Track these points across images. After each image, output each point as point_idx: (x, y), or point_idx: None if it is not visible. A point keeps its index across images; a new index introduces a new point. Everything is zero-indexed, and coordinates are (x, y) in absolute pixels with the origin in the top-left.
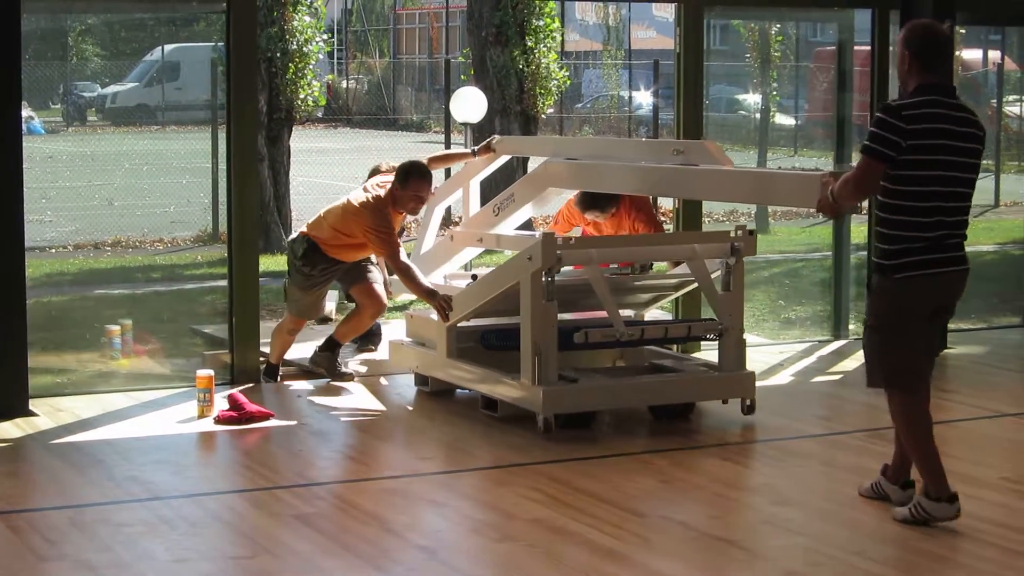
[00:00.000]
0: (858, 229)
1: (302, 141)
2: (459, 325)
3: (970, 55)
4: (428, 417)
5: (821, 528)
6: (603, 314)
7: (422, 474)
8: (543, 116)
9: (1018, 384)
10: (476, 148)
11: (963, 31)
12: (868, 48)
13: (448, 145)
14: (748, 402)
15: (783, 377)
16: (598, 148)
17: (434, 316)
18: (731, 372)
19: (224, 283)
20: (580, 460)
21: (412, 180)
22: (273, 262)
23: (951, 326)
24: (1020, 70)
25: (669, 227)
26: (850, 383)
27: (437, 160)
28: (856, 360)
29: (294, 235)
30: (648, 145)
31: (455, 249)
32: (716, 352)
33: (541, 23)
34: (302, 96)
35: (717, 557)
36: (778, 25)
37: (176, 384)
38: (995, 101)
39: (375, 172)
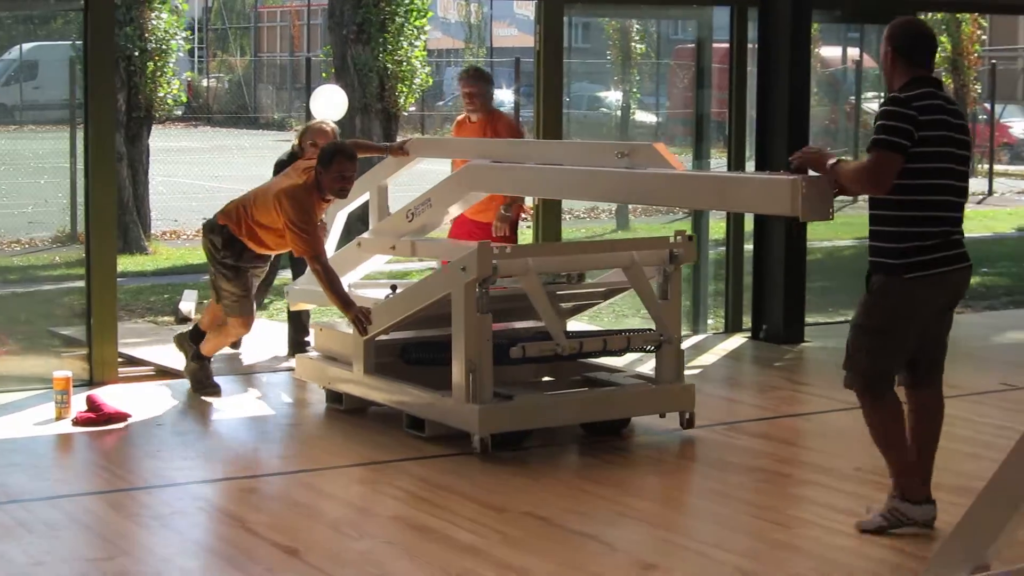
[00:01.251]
0: (718, 225)
1: (162, 140)
2: (377, 338)
3: (829, 52)
4: (290, 417)
5: (679, 520)
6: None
7: (282, 473)
8: (404, 114)
9: None
10: (390, 146)
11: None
12: (727, 45)
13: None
14: (688, 415)
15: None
16: (530, 151)
17: (348, 329)
18: (670, 384)
19: (82, 284)
20: (440, 457)
21: (337, 160)
22: (132, 262)
23: (809, 320)
24: (878, 67)
25: (530, 227)
26: (709, 377)
27: (361, 148)
28: (714, 355)
29: (208, 223)
30: (588, 148)
31: (362, 257)
32: (647, 362)
33: (405, 21)
34: (161, 95)
35: (574, 551)
36: (639, 23)
37: (33, 386)
38: (853, 98)
39: (281, 165)
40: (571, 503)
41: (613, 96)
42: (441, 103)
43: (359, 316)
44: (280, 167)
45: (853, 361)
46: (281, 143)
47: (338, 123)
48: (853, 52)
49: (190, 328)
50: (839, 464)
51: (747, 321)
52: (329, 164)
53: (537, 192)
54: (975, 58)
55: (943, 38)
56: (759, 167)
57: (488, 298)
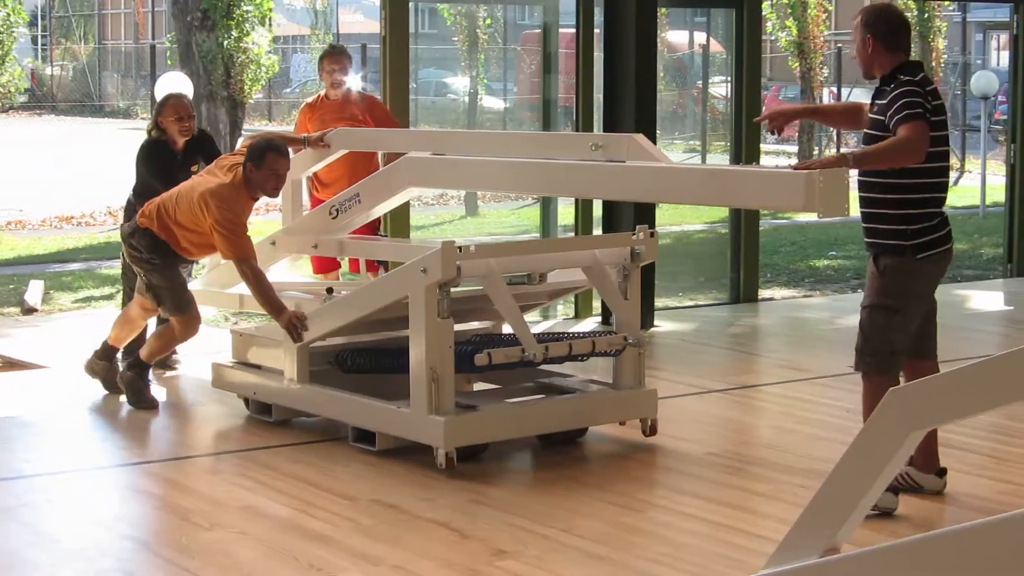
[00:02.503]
0: (567, 211)
1: (5, 129)
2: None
3: (676, 37)
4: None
5: (532, 507)
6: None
7: (131, 464)
8: (250, 101)
9: (723, 360)
10: (308, 137)
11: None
12: (573, 31)
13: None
14: (650, 422)
15: None
16: (483, 144)
17: (275, 335)
18: (632, 390)
19: None
20: (290, 446)
21: (269, 156)
22: None
23: (659, 304)
24: (725, 51)
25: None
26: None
27: (283, 138)
28: None
29: (127, 227)
30: (555, 139)
31: (275, 256)
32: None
33: (250, 8)
34: (3, 82)
35: (426, 539)
36: (485, 8)
37: None
38: (701, 82)
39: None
40: (422, 491)
41: (461, 82)
42: (288, 90)
43: (293, 322)
44: (147, 154)
45: (871, 343)
46: (126, 131)
47: None
48: (700, 36)
49: (98, 348)
50: (691, 448)
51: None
52: (261, 161)
53: (498, 187)
54: (821, 41)
55: (788, 22)
56: None
57: (450, 301)
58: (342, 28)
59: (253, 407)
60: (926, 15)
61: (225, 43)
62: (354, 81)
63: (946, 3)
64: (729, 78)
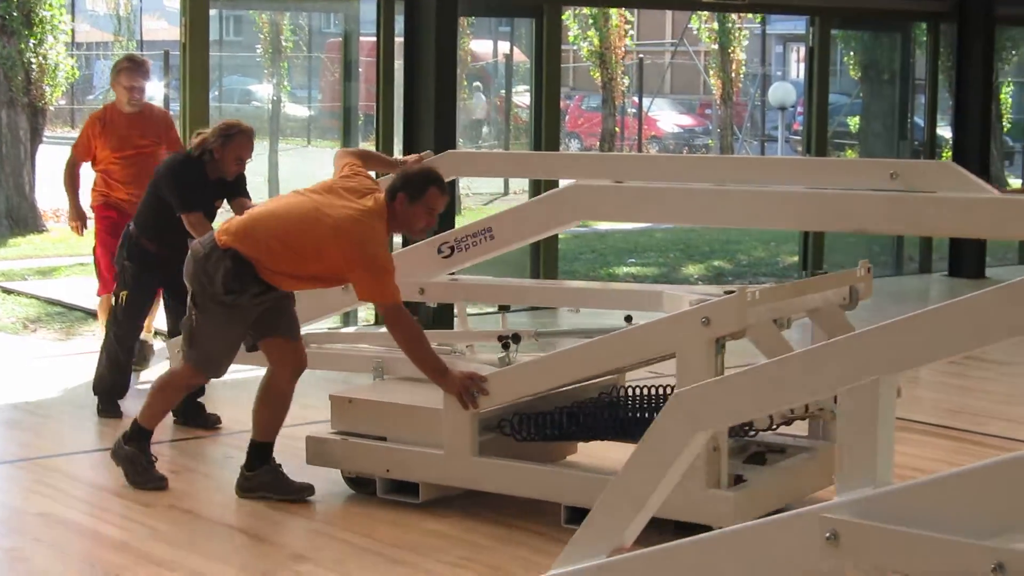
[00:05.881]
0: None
1: None
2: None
3: (480, 46)
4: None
5: (331, 512)
6: None
7: None
8: (52, 108)
9: None
10: (403, 160)
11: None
12: (374, 39)
13: None
14: None
15: None
16: (640, 170)
17: (402, 398)
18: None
19: None
20: (84, 454)
21: (432, 191)
22: None
23: None
24: (528, 61)
25: None
26: None
27: (371, 160)
28: None
29: (202, 247)
30: (845, 166)
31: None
32: None
33: (48, 14)
34: None
35: (223, 544)
36: (290, 16)
37: None
38: (504, 91)
39: None
40: (219, 496)
41: (265, 90)
42: (92, 96)
43: (468, 387)
44: (181, 171)
45: None
46: None
47: None
48: (504, 46)
49: (246, 461)
50: None
51: None
52: (420, 194)
53: (740, 223)
54: (623, 52)
55: (590, 32)
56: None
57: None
58: (146, 35)
59: (382, 487)
60: (727, 26)
61: (24, 49)
62: (157, 89)
63: (747, 15)
64: (531, 87)
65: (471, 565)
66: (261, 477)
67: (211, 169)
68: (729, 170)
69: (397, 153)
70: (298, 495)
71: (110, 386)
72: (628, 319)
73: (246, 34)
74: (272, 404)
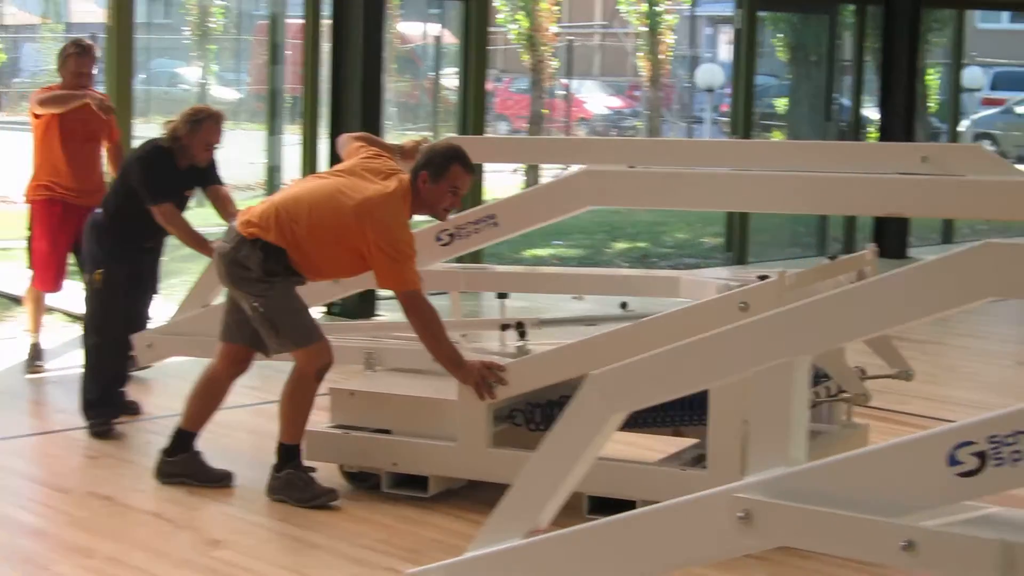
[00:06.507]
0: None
1: None
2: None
3: (409, 28)
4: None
5: (247, 497)
6: None
7: None
8: None
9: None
10: (402, 146)
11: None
12: (302, 21)
13: None
14: None
15: None
16: (651, 154)
17: (410, 389)
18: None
19: None
20: (3, 440)
21: (455, 168)
22: None
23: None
24: (458, 43)
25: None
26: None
27: (373, 145)
28: None
29: (227, 242)
30: (873, 150)
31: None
32: None
33: None
34: None
35: (141, 530)
36: None
37: None
38: (433, 74)
39: None
40: (136, 482)
41: (192, 72)
42: (18, 80)
43: (485, 377)
44: (152, 161)
45: None
46: None
47: None
48: (433, 28)
49: (167, 444)
50: None
51: None
52: (443, 172)
53: (761, 207)
54: (552, 34)
55: (520, 15)
56: (333, 142)
57: None
58: (74, 17)
59: (388, 481)
60: (656, 8)
61: None
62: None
63: None
64: (459, 69)
65: (388, 548)
66: (181, 464)
67: (181, 157)
68: (751, 155)
69: (322, 140)
70: (218, 482)
71: (111, 378)
72: (624, 306)
73: (174, 16)
74: (207, 397)
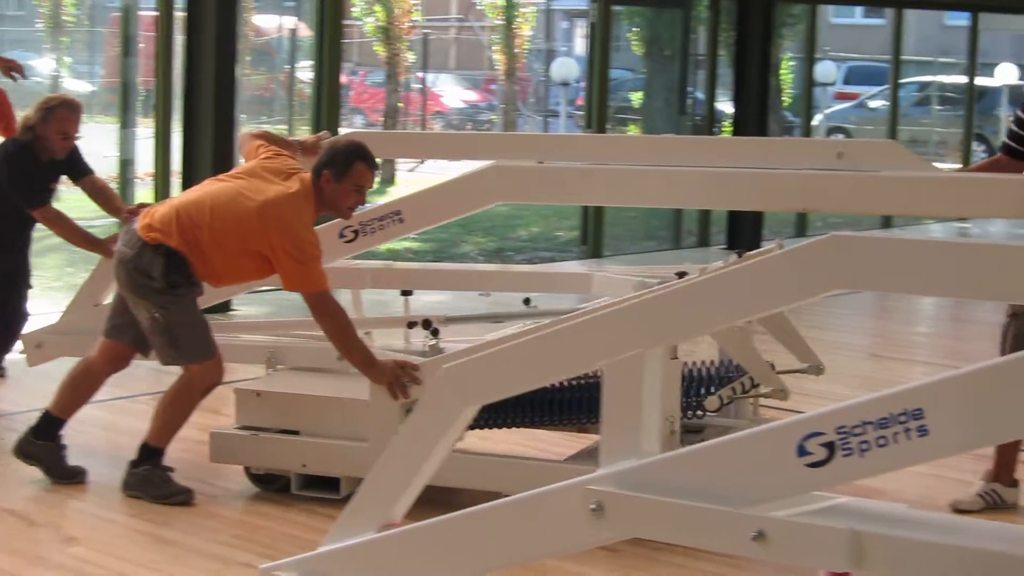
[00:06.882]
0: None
1: None
2: None
3: (264, 21)
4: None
5: (103, 493)
6: None
7: None
8: None
9: None
10: (302, 142)
11: None
12: (156, 13)
13: None
14: None
15: None
16: (664, 149)
17: (324, 389)
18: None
19: None
20: None
21: (359, 166)
22: None
23: None
24: (313, 36)
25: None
26: None
27: (273, 142)
28: None
29: (129, 247)
30: (791, 146)
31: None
32: None
33: None
34: None
35: None
36: None
37: None
38: (288, 67)
39: None
40: None
41: (45, 64)
42: None
43: (399, 377)
44: (10, 159)
45: None
46: None
47: None
48: (288, 21)
49: (34, 423)
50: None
51: None
52: (346, 171)
53: (675, 203)
54: (408, 27)
55: (376, 7)
56: (186, 136)
57: None
58: None
59: (297, 483)
60: (512, 2)
61: None
62: None
63: None
64: (314, 62)
65: (244, 544)
66: (42, 449)
67: (40, 151)
68: (672, 151)
69: (175, 133)
70: (71, 478)
71: None
72: (527, 301)
73: (27, 8)
74: (80, 388)
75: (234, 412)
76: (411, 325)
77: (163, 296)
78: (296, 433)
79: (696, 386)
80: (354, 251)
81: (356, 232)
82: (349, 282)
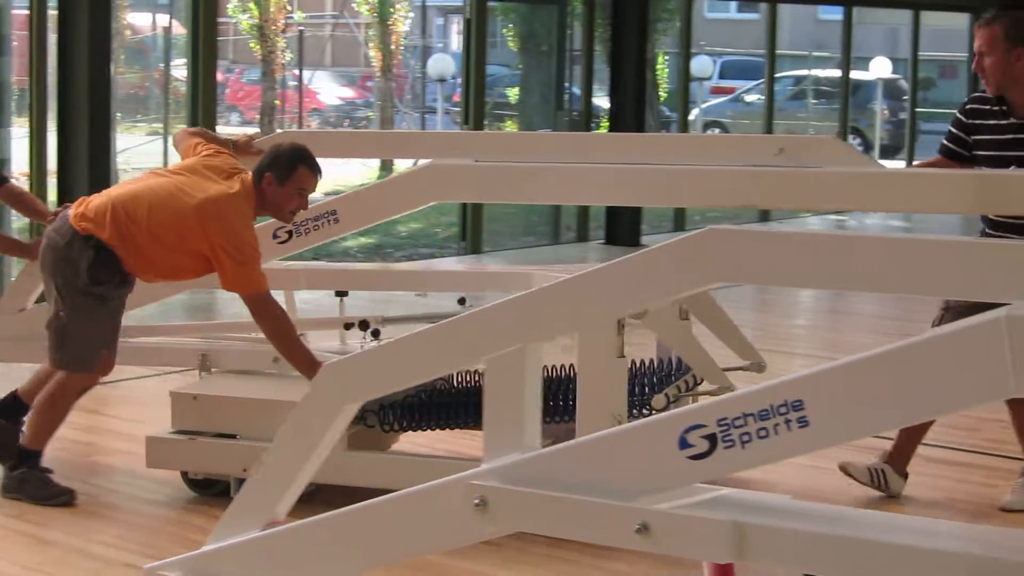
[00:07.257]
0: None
1: None
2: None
3: (138, 19)
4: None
5: None
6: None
7: None
8: None
9: None
10: (235, 141)
11: None
12: (28, 12)
13: None
14: None
15: None
16: (597, 147)
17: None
18: None
19: None
20: None
21: (302, 170)
22: None
23: None
24: (187, 34)
25: None
26: None
27: (213, 140)
28: None
29: (60, 235)
30: (731, 143)
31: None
32: None
33: None
34: None
35: None
36: None
37: None
38: (163, 65)
39: None
40: None
41: None
42: None
43: None
44: None
45: None
46: None
47: None
48: (163, 18)
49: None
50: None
51: None
52: (288, 173)
53: (608, 200)
54: (283, 25)
55: (251, 5)
56: (61, 135)
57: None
58: None
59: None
60: None
61: None
62: None
63: None
64: (189, 60)
65: (123, 543)
66: None
67: None
68: (610, 148)
69: (52, 132)
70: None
71: None
72: (462, 301)
73: None
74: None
75: (170, 416)
76: (348, 326)
77: (79, 297)
78: (233, 437)
79: (642, 384)
80: (288, 252)
81: (290, 233)
82: (284, 283)
